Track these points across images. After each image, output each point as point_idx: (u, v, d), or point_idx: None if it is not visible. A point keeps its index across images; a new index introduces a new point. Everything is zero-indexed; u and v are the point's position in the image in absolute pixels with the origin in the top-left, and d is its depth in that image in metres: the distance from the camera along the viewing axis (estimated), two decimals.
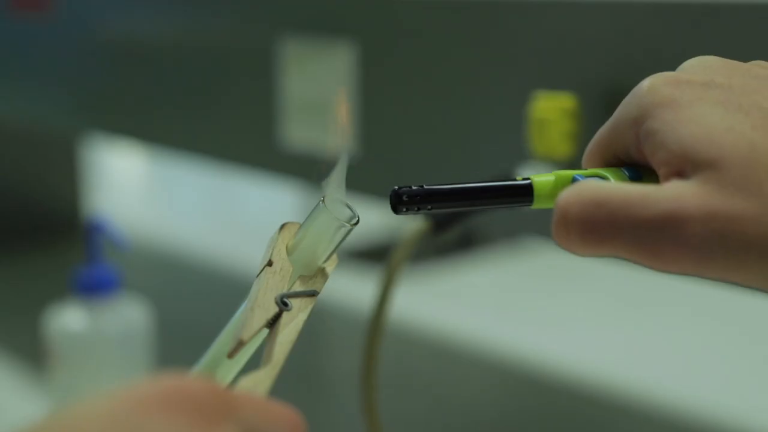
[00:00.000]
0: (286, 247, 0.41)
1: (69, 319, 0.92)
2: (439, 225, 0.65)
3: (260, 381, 0.37)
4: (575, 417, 1.08)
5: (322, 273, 0.41)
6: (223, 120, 0.99)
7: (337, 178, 0.41)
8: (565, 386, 1.13)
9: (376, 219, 1.59)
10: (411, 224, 0.65)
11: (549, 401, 1.12)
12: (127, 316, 0.93)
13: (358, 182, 0.84)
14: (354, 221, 0.40)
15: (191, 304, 1.38)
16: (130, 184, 2.50)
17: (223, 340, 0.40)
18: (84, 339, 0.92)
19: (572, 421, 1.07)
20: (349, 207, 0.40)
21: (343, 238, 0.41)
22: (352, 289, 1.35)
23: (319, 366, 1.22)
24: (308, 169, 0.85)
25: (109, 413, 0.31)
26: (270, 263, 0.41)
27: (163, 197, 2.36)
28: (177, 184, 2.37)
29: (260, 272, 0.41)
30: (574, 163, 0.66)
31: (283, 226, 0.42)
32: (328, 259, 0.41)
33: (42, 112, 1.26)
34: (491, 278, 1.53)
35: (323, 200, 0.40)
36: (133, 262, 1.54)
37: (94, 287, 0.92)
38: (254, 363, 0.39)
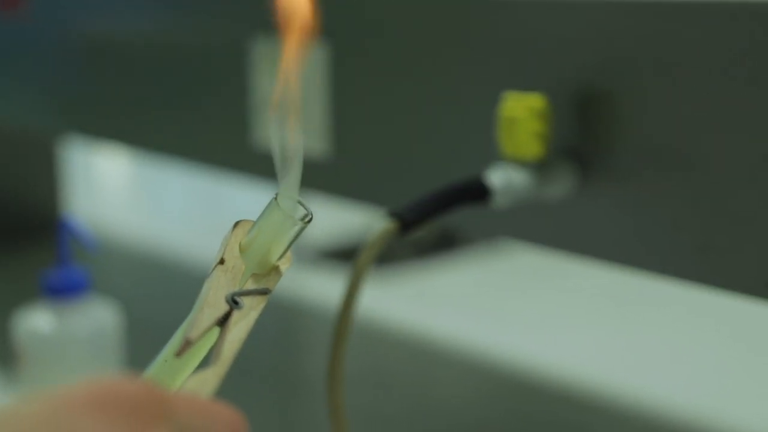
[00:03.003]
0: (240, 246, 0.41)
1: (38, 321, 0.92)
2: (407, 226, 0.64)
3: (207, 380, 0.37)
4: (552, 418, 1.08)
5: (275, 271, 0.41)
6: (199, 121, 0.98)
7: (292, 176, 0.40)
8: (543, 387, 1.13)
9: (347, 219, 1.59)
10: (378, 225, 0.64)
11: (526, 402, 1.12)
12: (97, 318, 0.93)
13: (330, 182, 0.84)
14: (307, 219, 0.40)
15: (171, 305, 1.37)
16: (113, 186, 2.49)
17: (175, 340, 0.40)
18: (53, 341, 0.91)
19: (549, 422, 1.07)
20: (302, 204, 0.40)
21: (297, 236, 0.40)
22: (324, 288, 1.35)
23: (292, 365, 1.22)
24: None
25: (41, 413, 0.31)
26: (222, 261, 0.40)
27: (147, 199, 2.35)
28: (161, 185, 2.36)
29: (212, 271, 0.40)
30: (542, 163, 0.65)
31: (236, 224, 0.42)
32: (281, 257, 0.41)
33: (20, 113, 1.25)
34: (471, 278, 1.53)
35: (275, 198, 0.39)
36: (113, 264, 1.54)
37: (63, 289, 0.91)
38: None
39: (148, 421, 0.32)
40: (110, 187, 2.48)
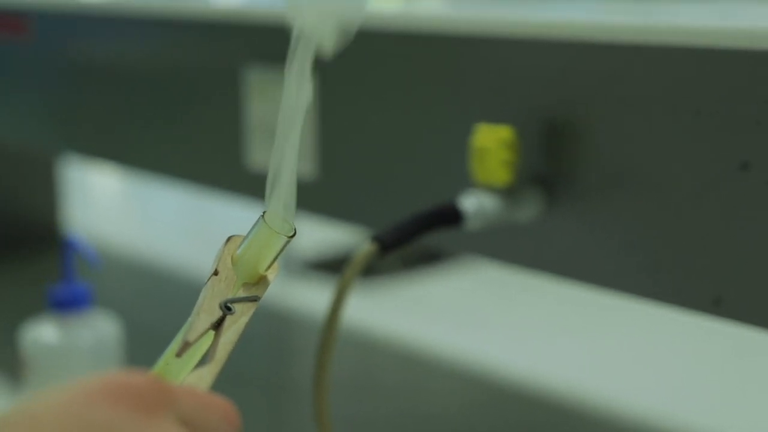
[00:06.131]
0: (232, 258, 0.46)
1: (43, 334, 0.97)
2: (386, 248, 0.69)
3: (204, 377, 0.42)
4: (543, 428, 1.11)
5: (264, 280, 0.46)
6: (193, 143, 1.03)
7: (279, 195, 0.45)
8: (532, 395, 1.16)
9: (333, 232, 1.62)
10: (360, 247, 0.69)
11: (515, 410, 1.15)
12: (99, 330, 0.98)
13: (315, 203, 0.89)
14: (291, 234, 0.45)
15: (166, 318, 1.41)
16: (108, 201, 2.53)
17: (175, 342, 0.45)
18: (58, 351, 0.96)
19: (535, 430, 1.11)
20: (287, 221, 0.45)
21: (282, 249, 0.46)
22: (312, 298, 1.39)
23: (280, 372, 1.25)
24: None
25: (60, 405, 0.36)
26: (216, 272, 0.46)
27: (141, 214, 2.39)
28: (154, 200, 2.40)
29: (207, 281, 0.46)
30: (511, 189, 0.71)
31: (228, 239, 0.47)
32: (269, 267, 0.46)
33: (20, 131, 1.30)
34: (457, 288, 1.55)
35: (263, 215, 0.45)
36: (109, 278, 1.58)
37: (67, 303, 0.96)
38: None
39: (155, 409, 0.37)
40: (108, 203, 2.52)
